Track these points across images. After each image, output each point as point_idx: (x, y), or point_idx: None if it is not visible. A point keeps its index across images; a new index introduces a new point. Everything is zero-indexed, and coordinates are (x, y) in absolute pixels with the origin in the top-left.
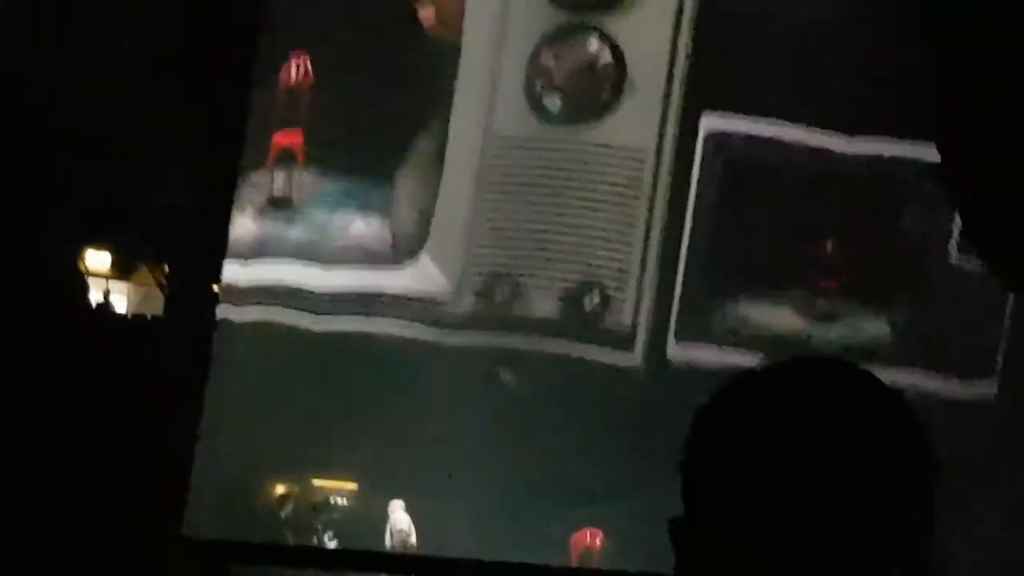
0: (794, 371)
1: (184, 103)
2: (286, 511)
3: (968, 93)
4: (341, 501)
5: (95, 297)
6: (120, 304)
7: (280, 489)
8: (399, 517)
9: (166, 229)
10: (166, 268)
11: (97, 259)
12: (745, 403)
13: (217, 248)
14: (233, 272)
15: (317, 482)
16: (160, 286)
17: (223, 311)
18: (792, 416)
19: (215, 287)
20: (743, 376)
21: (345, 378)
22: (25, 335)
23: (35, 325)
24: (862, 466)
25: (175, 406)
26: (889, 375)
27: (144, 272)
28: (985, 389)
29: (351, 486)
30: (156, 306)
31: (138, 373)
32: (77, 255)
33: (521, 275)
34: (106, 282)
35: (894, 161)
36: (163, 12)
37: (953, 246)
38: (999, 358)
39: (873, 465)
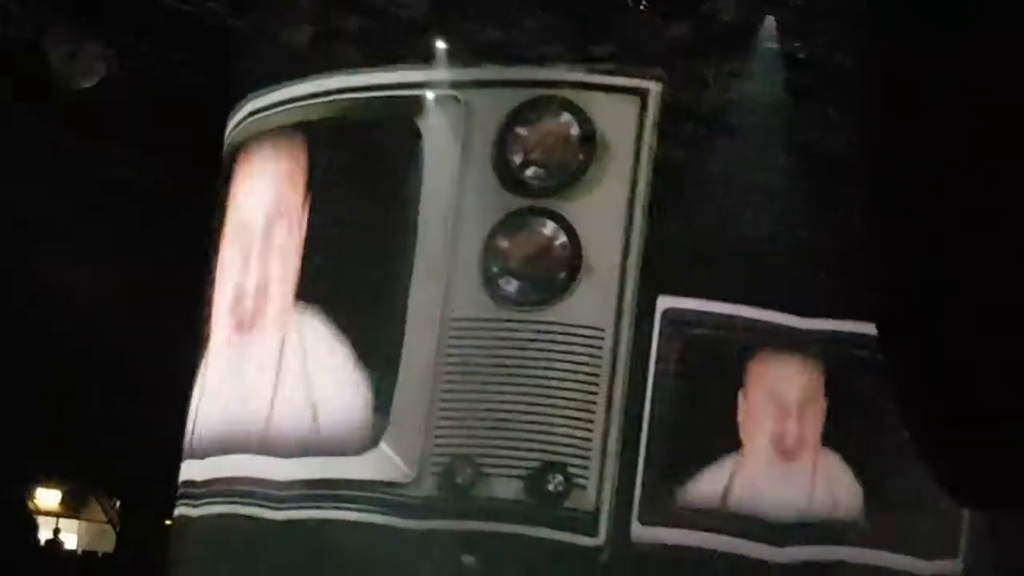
0: None
1: (135, 347)
2: None
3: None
4: None
5: (45, 535)
6: (70, 541)
7: None
8: None
9: (117, 466)
10: (117, 504)
11: (47, 497)
12: None
13: (169, 483)
14: (191, 469)
15: None
16: (111, 523)
17: (182, 509)
18: None
19: (167, 522)
20: None
21: (306, 569)
22: None
23: None
24: None
25: None
26: (858, 554)
27: (95, 509)
28: (950, 569)
29: None
30: (107, 543)
31: None
32: (27, 494)
33: (482, 457)
34: (56, 520)
35: (848, 338)
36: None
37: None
38: (963, 538)
39: None
